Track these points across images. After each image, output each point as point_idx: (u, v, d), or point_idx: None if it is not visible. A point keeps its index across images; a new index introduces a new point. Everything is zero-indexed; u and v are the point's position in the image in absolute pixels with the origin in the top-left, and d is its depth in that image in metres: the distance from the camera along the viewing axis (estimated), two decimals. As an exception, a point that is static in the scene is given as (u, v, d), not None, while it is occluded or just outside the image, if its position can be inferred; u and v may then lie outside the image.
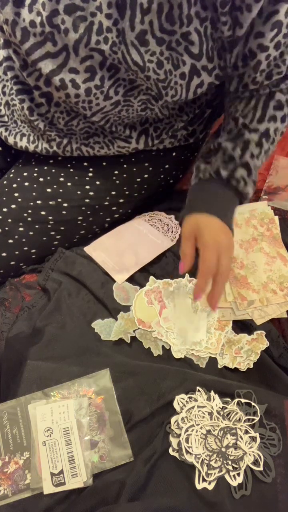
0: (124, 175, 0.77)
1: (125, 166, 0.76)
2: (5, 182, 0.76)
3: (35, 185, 0.73)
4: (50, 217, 0.74)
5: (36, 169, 0.75)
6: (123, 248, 0.73)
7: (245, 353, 0.63)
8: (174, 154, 0.79)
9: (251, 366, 0.62)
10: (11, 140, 0.73)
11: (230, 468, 0.52)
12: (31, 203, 0.73)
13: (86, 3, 0.50)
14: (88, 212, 0.76)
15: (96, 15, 0.51)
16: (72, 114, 0.66)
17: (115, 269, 0.70)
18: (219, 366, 0.62)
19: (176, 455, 0.53)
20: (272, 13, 0.51)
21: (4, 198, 0.73)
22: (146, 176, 0.78)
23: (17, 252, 0.74)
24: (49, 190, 0.73)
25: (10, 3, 0.52)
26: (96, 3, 0.50)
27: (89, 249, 0.74)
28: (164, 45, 0.53)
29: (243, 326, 0.65)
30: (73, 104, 0.60)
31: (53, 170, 0.75)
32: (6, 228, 0.72)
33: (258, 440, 0.54)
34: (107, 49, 0.53)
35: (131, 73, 0.56)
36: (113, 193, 0.76)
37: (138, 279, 0.70)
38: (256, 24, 0.52)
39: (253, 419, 0.55)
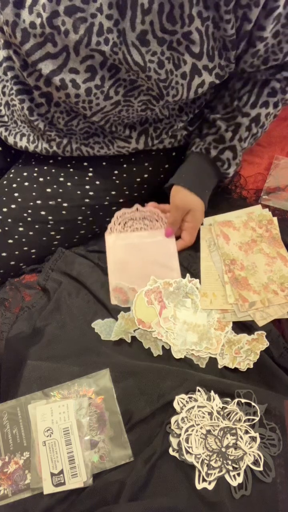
0: (124, 175, 0.77)
1: (125, 166, 0.76)
2: (5, 182, 0.75)
3: (35, 185, 0.73)
4: (50, 217, 0.74)
5: (36, 169, 0.75)
6: (142, 272, 0.71)
7: (244, 352, 0.63)
8: (174, 154, 0.79)
9: (251, 366, 0.62)
10: (11, 140, 0.73)
11: (230, 468, 0.52)
12: (31, 203, 0.73)
13: (86, 4, 0.50)
14: (88, 212, 0.76)
15: (97, 16, 0.51)
16: (72, 114, 0.66)
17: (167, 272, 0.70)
18: (219, 366, 0.62)
19: (176, 455, 0.53)
20: (274, 8, 0.53)
21: (4, 198, 0.73)
22: (146, 176, 0.78)
23: (17, 252, 0.74)
24: (49, 190, 0.73)
25: (11, 4, 0.52)
26: (97, 4, 0.50)
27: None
28: (165, 45, 0.53)
29: (243, 326, 0.65)
30: (73, 104, 0.60)
31: (53, 170, 0.75)
32: (6, 228, 0.72)
33: (258, 440, 0.54)
34: (108, 49, 0.53)
35: (132, 73, 0.56)
36: (113, 193, 0.76)
37: (138, 279, 0.70)
38: (259, 17, 0.54)
39: (253, 419, 0.56)
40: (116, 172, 0.76)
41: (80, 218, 0.76)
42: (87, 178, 0.75)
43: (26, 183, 0.74)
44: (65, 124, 0.68)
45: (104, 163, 0.75)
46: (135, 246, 0.73)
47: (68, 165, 0.75)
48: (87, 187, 0.75)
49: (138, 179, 0.78)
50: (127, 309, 0.66)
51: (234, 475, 0.52)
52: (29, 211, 0.73)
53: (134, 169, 0.77)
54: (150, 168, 0.78)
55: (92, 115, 0.62)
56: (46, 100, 0.64)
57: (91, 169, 0.75)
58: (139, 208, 0.75)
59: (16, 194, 0.73)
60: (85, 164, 0.75)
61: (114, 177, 0.76)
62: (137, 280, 0.69)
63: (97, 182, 0.75)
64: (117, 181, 0.76)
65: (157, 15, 0.51)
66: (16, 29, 0.54)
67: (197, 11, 0.51)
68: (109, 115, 0.63)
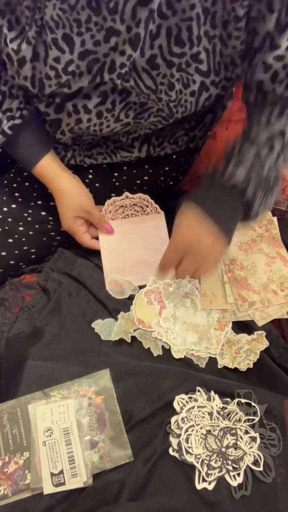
0: (124, 177, 0.77)
1: (125, 168, 0.77)
2: (5, 181, 0.76)
3: (35, 185, 0.73)
4: (50, 218, 0.74)
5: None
6: (135, 258, 0.72)
7: (244, 352, 0.63)
8: (174, 157, 0.80)
9: (251, 366, 0.62)
10: None
11: (230, 468, 0.52)
12: (32, 203, 0.73)
13: (98, 46, 0.52)
14: (88, 214, 0.76)
15: (109, 55, 0.52)
16: (78, 136, 0.67)
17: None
18: (219, 366, 0.62)
19: (176, 455, 0.53)
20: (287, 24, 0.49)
21: (5, 198, 0.73)
22: (146, 178, 0.78)
23: (16, 252, 0.74)
24: (49, 190, 0.73)
25: (28, 62, 0.53)
26: (110, 44, 0.51)
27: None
28: (174, 68, 0.54)
29: (243, 326, 0.66)
30: (83, 129, 0.61)
31: None
32: (6, 228, 0.72)
33: (258, 440, 0.54)
34: (120, 81, 0.55)
35: (143, 96, 0.57)
36: (113, 195, 0.77)
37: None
38: (273, 37, 0.50)
39: (253, 419, 0.56)
40: (116, 174, 0.76)
41: (80, 219, 0.76)
42: (87, 180, 0.75)
43: (27, 183, 0.74)
44: (72, 141, 0.68)
45: (104, 165, 0.76)
46: (127, 232, 0.75)
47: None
48: (87, 189, 0.75)
49: (138, 181, 0.78)
50: (127, 309, 0.66)
51: (234, 475, 0.52)
52: (30, 211, 0.73)
53: (134, 171, 0.77)
54: (150, 171, 0.78)
55: (101, 134, 0.63)
56: (55, 125, 0.65)
57: (91, 171, 0.75)
58: (128, 195, 0.76)
59: (16, 194, 0.73)
60: (85, 166, 0.75)
61: (114, 179, 0.76)
62: (130, 266, 0.70)
63: (97, 184, 0.76)
64: (117, 183, 0.77)
65: (165, 38, 0.52)
66: (34, 81, 0.55)
67: (204, 31, 0.52)
68: (118, 133, 0.65)
